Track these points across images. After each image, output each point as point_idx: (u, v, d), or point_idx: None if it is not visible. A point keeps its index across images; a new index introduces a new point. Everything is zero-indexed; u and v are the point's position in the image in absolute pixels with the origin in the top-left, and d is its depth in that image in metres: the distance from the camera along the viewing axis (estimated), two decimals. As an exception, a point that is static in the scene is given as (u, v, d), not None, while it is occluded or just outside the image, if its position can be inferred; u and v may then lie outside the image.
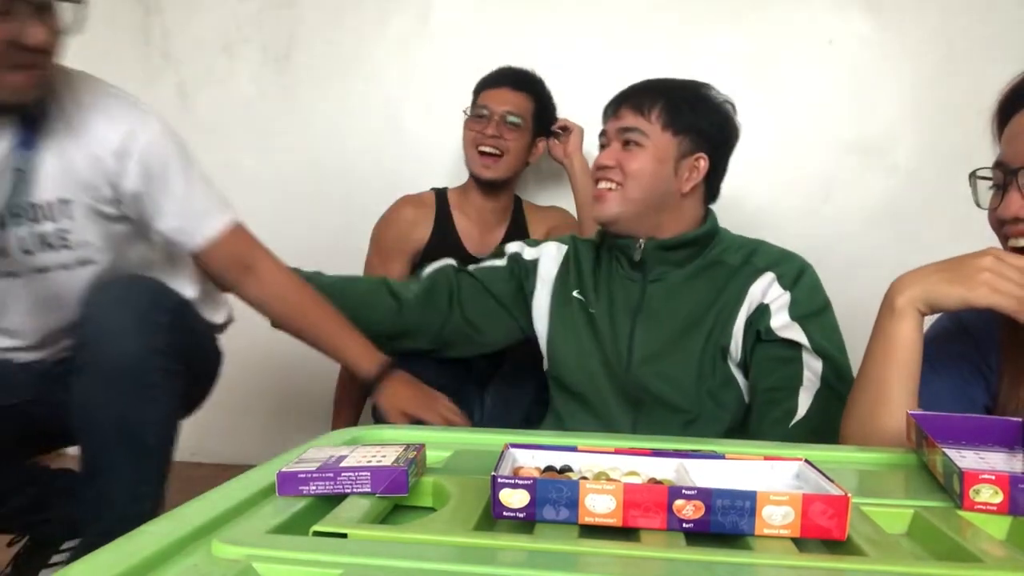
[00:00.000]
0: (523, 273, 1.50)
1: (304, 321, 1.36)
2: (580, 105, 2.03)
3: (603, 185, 1.35)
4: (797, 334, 1.27)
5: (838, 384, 1.23)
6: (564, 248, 1.50)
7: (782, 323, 1.28)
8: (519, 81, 1.91)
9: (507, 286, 1.50)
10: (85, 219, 1.20)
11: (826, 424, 1.18)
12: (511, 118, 1.87)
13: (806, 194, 2.16)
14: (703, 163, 1.36)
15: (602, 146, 1.39)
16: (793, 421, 1.23)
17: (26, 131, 1.14)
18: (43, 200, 1.17)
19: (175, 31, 2.56)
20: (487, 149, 1.86)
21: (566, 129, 1.98)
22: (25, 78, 1.07)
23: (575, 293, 1.44)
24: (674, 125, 1.34)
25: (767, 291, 1.31)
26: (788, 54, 2.14)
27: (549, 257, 1.50)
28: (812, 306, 1.30)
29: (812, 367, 1.26)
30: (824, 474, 0.64)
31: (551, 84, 1.99)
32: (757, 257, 1.35)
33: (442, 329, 1.48)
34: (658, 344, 1.35)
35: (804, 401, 1.24)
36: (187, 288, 1.35)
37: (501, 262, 1.53)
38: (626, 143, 1.34)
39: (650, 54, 2.13)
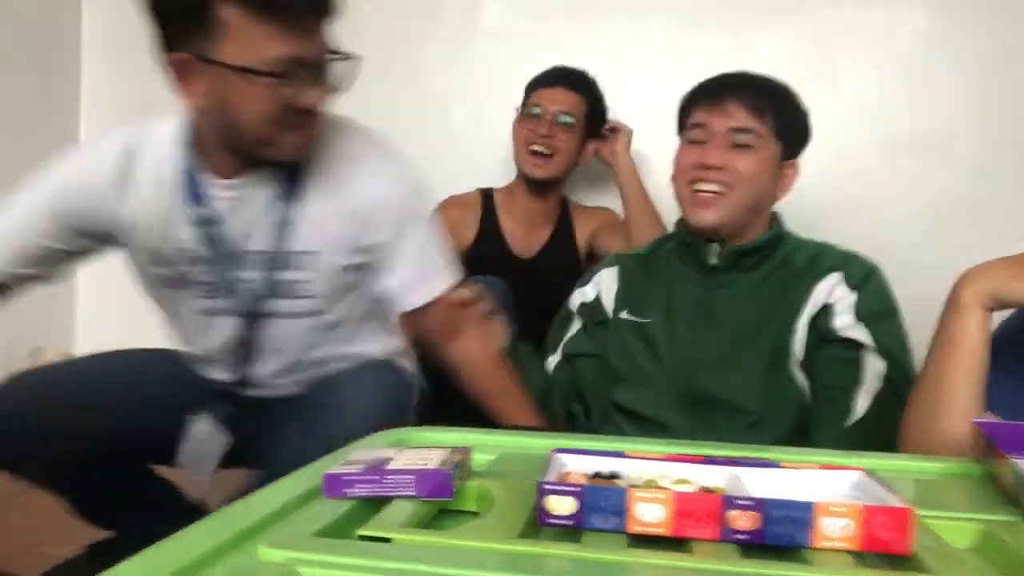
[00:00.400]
0: (596, 315, 1.44)
1: (487, 398, 1.31)
2: (630, 106, 2.02)
3: (705, 187, 1.27)
4: (861, 334, 1.23)
5: (901, 386, 1.18)
6: (614, 270, 1.46)
7: (846, 323, 1.24)
8: (574, 81, 1.90)
9: (597, 339, 1.43)
10: (326, 271, 1.20)
11: (885, 425, 1.14)
12: (564, 118, 1.86)
13: (862, 192, 2.10)
14: (793, 171, 1.34)
15: (692, 141, 1.30)
16: (851, 421, 1.20)
17: (289, 182, 1.15)
18: (294, 249, 1.18)
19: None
20: (538, 148, 1.85)
21: (615, 130, 1.95)
22: (299, 138, 1.10)
23: (623, 315, 1.40)
24: (781, 130, 1.29)
25: (832, 291, 1.27)
26: (842, 48, 2.08)
27: (606, 287, 1.45)
28: (879, 308, 1.26)
29: (874, 367, 1.21)
30: (885, 484, 0.61)
31: (601, 82, 1.97)
32: (824, 258, 1.31)
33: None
34: (723, 348, 1.30)
35: (863, 401, 1.20)
36: (392, 341, 1.34)
37: (577, 325, 1.45)
38: (735, 144, 1.27)
39: (701, 53, 2.09)
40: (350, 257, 1.21)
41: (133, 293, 2.92)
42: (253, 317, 1.21)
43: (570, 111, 1.87)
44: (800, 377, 1.29)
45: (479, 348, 1.31)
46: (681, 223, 1.37)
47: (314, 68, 1.04)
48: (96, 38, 2.78)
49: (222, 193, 1.16)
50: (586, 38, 2.19)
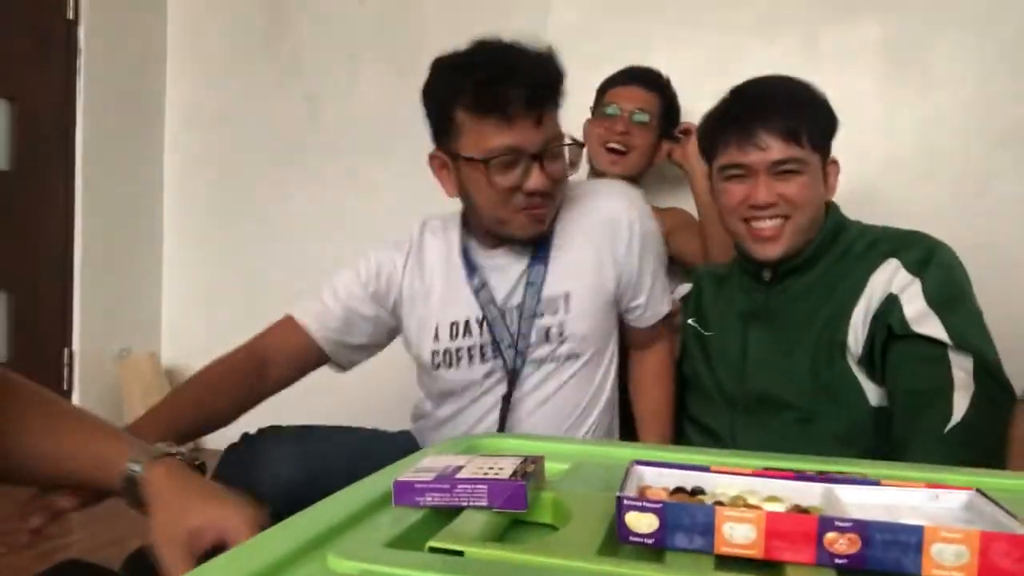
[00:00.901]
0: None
1: (639, 415, 1.42)
2: (702, 107, 1.95)
3: (768, 224, 1.24)
4: (935, 328, 1.14)
5: (992, 386, 1.11)
6: (689, 286, 1.49)
7: (917, 313, 1.16)
8: (648, 80, 1.88)
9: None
10: (582, 307, 1.27)
11: (989, 429, 1.08)
12: (639, 116, 1.84)
13: (956, 190, 1.98)
14: (835, 168, 1.30)
15: (733, 178, 1.26)
16: (949, 426, 1.09)
17: (539, 247, 1.27)
18: (549, 295, 1.26)
19: (303, 43, 2.66)
20: (615, 146, 1.84)
21: (688, 132, 1.91)
22: (528, 218, 1.21)
23: (690, 320, 1.41)
24: (817, 142, 1.24)
25: (892, 279, 1.19)
26: (938, 35, 1.97)
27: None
28: (949, 290, 1.18)
29: (962, 365, 1.12)
30: (1002, 506, 0.55)
31: (673, 80, 1.93)
32: (881, 243, 1.25)
33: None
34: (772, 343, 1.28)
35: (960, 403, 1.10)
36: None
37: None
38: (779, 172, 1.23)
39: (775, 50, 2.02)
40: (606, 283, 1.29)
41: (215, 298, 3.01)
42: (518, 371, 1.26)
43: (645, 108, 1.85)
44: (859, 373, 1.21)
45: (655, 360, 1.40)
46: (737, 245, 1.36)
47: (534, 155, 1.14)
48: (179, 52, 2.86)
49: (487, 262, 1.29)
50: (658, 39, 2.15)
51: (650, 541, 0.54)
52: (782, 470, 0.64)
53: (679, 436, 1.40)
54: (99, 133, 2.62)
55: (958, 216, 1.93)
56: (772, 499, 0.59)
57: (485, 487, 0.62)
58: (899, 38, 1.98)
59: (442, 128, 1.19)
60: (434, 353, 1.28)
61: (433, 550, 0.55)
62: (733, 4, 2.11)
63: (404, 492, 0.63)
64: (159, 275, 2.88)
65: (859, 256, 1.25)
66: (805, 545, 0.52)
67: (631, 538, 0.55)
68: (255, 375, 1.23)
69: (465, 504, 0.62)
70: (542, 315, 1.26)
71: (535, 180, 1.14)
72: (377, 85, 2.54)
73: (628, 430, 1.41)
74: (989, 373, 1.12)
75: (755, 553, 0.52)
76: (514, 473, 0.64)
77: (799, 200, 1.22)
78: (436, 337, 1.28)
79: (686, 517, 0.53)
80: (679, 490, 0.62)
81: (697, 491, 0.61)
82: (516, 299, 1.26)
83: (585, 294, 1.27)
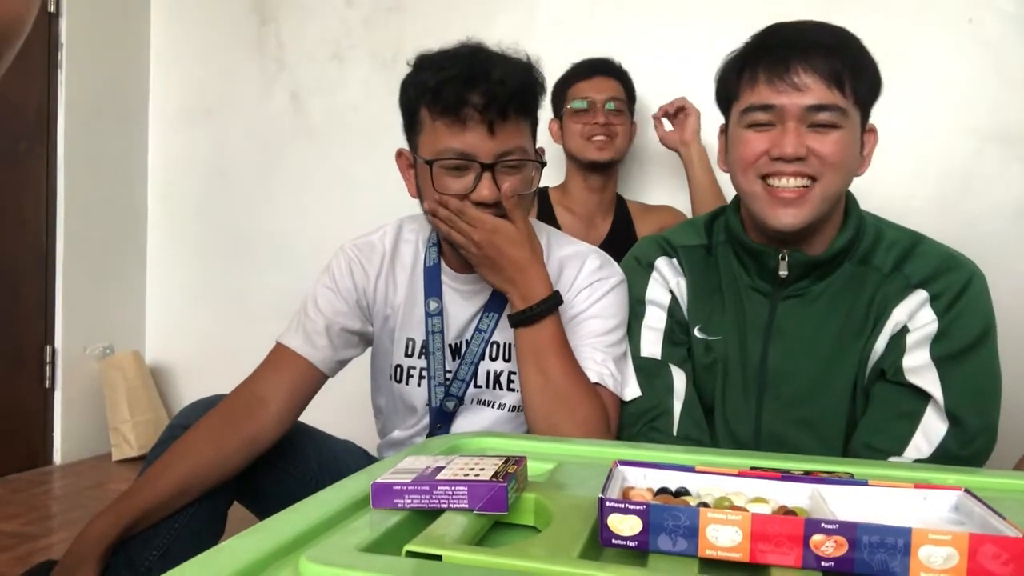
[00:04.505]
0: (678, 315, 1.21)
1: None
2: (689, 92, 1.95)
3: (793, 183, 1.03)
4: (931, 383, 1.02)
5: (960, 452, 1.00)
6: (681, 277, 1.20)
7: (917, 364, 1.03)
8: (609, 69, 1.93)
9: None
10: None
11: None
12: (613, 104, 1.88)
13: (941, 188, 1.98)
14: (874, 137, 1.10)
15: (756, 125, 1.05)
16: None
17: (495, 294, 1.18)
18: (498, 341, 1.19)
19: (288, 40, 2.63)
20: (600, 138, 1.86)
21: (682, 110, 1.91)
22: None
23: (697, 331, 1.17)
24: (861, 95, 1.04)
25: (915, 313, 1.05)
26: (921, 35, 1.97)
27: (677, 290, 1.21)
28: (965, 339, 1.03)
29: (930, 432, 1.00)
30: (991, 508, 0.54)
31: (662, 73, 1.98)
32: (911, 265, 1.07)
33: None
34: (796, 380, 1.09)
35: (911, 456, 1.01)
36: None
37: (661, 317, 1.19)
38: (814, 123, 1.02)
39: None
40: None
41: (199, 295, 2.98)
42: (456, 408, 1.20)
43: (614, 96, 1.90)
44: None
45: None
46: (734, 216, 1.15)
47: (486, 165, 1.06)
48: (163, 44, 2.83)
49: (453, 284, 1.20)
50: (644, 30, 2.15)
51: (633, 544, 0.53)
52: (768, 470, 0.63)
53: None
54: (81, 128, 2.58)
55: (941, 216, 1.94)
56: (758, 500, 0.58)
57: (465, 489, 0.60)
58: (883, 39, 1.97)
59: (409, 125, 1.14)
60: (396, 367, 1.23)
61: (411, 554, 0.53)
62: (720, 5, 2.11)
63: (382, 494, 0.62)
64: (143, 272, 2.85)
65: (887, 275, 1.08)
66: (791, 548, 0.51)
67: (614, 541, 0.53)
68: (249, 425, 1.10)
69: (445, 506, 0.60)
70: (495, 359, 1.19)
71: (482, 190, 1.06)
72: (363, 82, 2.52)
73: None
74: (962, 445, 1.00)
75: (740, 556, 0.51)
76: (495, 474, 0.62)
77: (833, 159, 1.02)
78: (395, 350, 1.23)
79: (670, 519, 0.52)
80: (663, 491, 0.60)
81: (681, 492, 0.60)
82: (466, 335, 1.20)
83: None
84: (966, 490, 0.59)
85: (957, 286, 1.05)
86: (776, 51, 1.03)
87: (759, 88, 1.03)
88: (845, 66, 1.01)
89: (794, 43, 1.03)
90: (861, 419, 1.07)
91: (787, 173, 1.03)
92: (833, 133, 1.02)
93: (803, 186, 1.03)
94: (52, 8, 2.50)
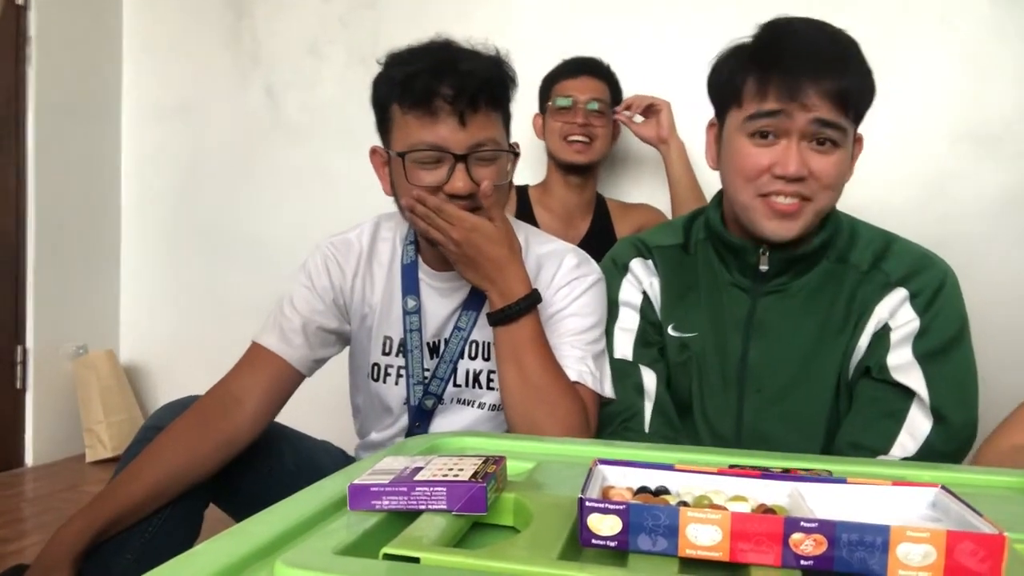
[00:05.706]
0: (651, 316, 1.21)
1: None
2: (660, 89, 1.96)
3: (788, 200, 1.04)
4: (915, 381, 1.03)
5: (943, 448, 1.02)
6: (654, 277, 1.21)
7: (900, 362, 1.04)
8: (595, 69, 1.91)
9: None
10: None
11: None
12: (595, 105, 1.86)
13: (915, 187, 2.00)
14: (860, 145, 1.10)
15: (757, 134, 1.04)
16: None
17: (473, 292, 1.17)
18: (476, 340, 1.18)
19: (264, 34, 2.60)
20: (578, 138, 1.85)
21: (653, 107, 1.91)
22: None
23: (670, 330, 1.17)
24: (860, 112, 1.05)
25: (896, 311, 1.07)
26: (894, 34, 1.99)
27: (648, 283, 1.21)
28: (944, 336, 1.05)
29: (915, 430, 1.02)
30: (968, 504, 0.55)
31: (637, 71, 1.96)
32: (889, 263, 1.09)
33: None
34: (777, 375, 1.10)
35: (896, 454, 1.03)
36: None
37: (634, 319, 1.20)
38: (816, 138, 1.02)
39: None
40: None
41: (174, 293, 2.94)
42: (435, 406, 1.19)
43: (597, 97, 1.87)
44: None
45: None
46: (715, 212, 1.16)
47: (459, 156, 1.05)
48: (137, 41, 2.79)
49: (431, 282, 1.19)
50: (623, 28, 2.16)
51: (613, 544, 0.53)
52: (748, 468, 0.63)
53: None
54: (51, 124, 2.54)
55: (916, 216, 1.95)
56: (738, 498, 0.58)
57: (444, 489, 0.60)
58: (858, 38, 1.99)
59: (381, 122, 1.13)
60: (374, 366, 1.22)
61: (388, 557, 0.52)
62: (705, 4, 2.11)
63: (360, 496, 0.61)
64: (117, 270, 2.80)
65: (866, 272, 1.09)
66: (771, 547, 0.51)
67: (593, 541, 0.53)
68: (224, 426, 1.09)
69: (423, 507, 0.60)
70: (474, 358, 1.19)
71: (455, 182, 1.05)
72: (339, 78, 2.50)
73: None
74: (946, 440, 1.03)
75: (720, 556, 0.51)
76: (474, 474, 0.61)
77: (829, 180, 1.03)
78: (372, 348, 1.22)
79: (649, 519, 0.52)
80: (643, 490, 0.60)
81: (661, 491, 0.60)
82: (444, 333, 1.19)
83: None
84: (943, 487, 0.59)
85: (934, 284, 1.07)
86: (786, 62, 1.02)
87: (768, 99, 1.02)
88: (853, 87, 1.02)
89: (805, 56, 1.02)
90: (846, 417, 1.08)
91: (787, 192, 1.04)
92: (834, 154, 1.03)
93: (796, 203, 1.04)
94: (20, 1, 2.45)
